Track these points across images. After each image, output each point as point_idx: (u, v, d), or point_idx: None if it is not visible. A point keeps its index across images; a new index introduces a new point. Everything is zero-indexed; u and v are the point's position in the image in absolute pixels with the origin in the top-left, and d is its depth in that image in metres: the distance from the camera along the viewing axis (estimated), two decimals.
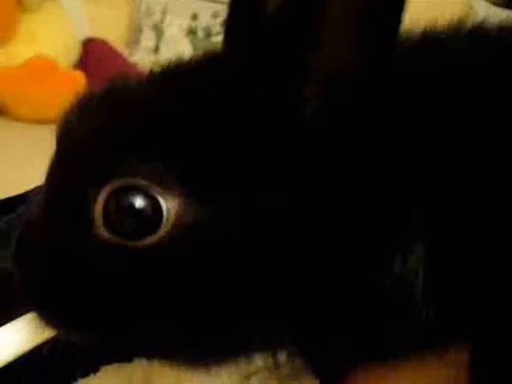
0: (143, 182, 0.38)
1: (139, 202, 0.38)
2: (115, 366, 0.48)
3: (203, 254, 0.38)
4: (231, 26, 0.43)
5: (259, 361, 0.44)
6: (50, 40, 1.88)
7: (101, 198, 0.38)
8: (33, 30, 1.84)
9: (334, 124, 0.39)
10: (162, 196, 0.37)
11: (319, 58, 0.38)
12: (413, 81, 0.40)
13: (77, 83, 1.81)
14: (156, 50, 2.42)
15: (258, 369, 0.46)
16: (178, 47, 2.37)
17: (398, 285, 0.37)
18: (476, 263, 0.37)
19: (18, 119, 1.72)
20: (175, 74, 0.44)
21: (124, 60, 2.23)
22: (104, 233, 0.38)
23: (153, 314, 0.39)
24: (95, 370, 0.47)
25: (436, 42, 0.43)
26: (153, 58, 2.39)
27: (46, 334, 0.42)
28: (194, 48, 2.39)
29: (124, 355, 0.45)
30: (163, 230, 0.37)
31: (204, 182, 0.38)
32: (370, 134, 0.38)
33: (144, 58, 2.38)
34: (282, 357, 0.43)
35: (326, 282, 0.38)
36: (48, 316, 0.41)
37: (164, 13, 2.43)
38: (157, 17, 2.44)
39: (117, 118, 0.41)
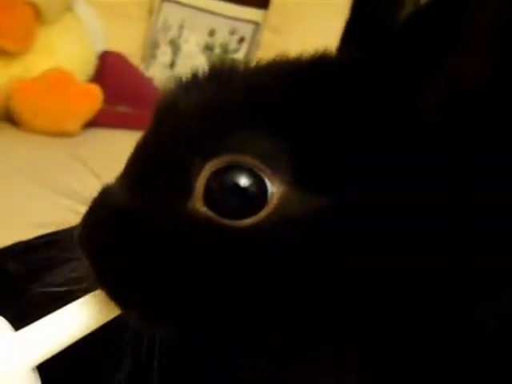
0: (253, 161, 0.37)
1: (245, 181, 0.37)
2: None
3: (296, 244, 0.36)
4: (352, 30, 0.42)
5: None
6: (68, 53, 1.89)
7: (205, 172, 0.38)
8: (50, 42, 1.85)
9: (455, 133, 0.37)
10: (269, 178, 0.37)
11: (450, 67, 0.37)
12: None
13: (93, 96, 1.82)
14: (172, 65, 2.43)
15: None
16: (195, 63, 2.38)
17: (473, 330, 0.36)
18: None
19: (34, 131, 1.72)
20: (287, 64, 0.43)
21: (140, 74, 2.23)
22: (201, 208, 0.37)
23: (235, 300, 0.38)
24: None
25: None
26: (169, 73, 2.40)
27: (113, 312, 0.41)
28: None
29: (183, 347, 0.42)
30: (263, 213, 0.36)
31: (314, 173, 0.37)
32: (485, 152, 0.37)
33: (160, 73, 2.39)
34: None
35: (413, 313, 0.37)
36: (120, 294, 0.40)
37: (181, 28, 2.44)
38: (174, 32, 2.45)
39: (229, 93, 0.40)
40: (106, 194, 0.42)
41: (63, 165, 1.29)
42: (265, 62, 0.44)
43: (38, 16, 1.80)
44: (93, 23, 2.12)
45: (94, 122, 1.83)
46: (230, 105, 0.39)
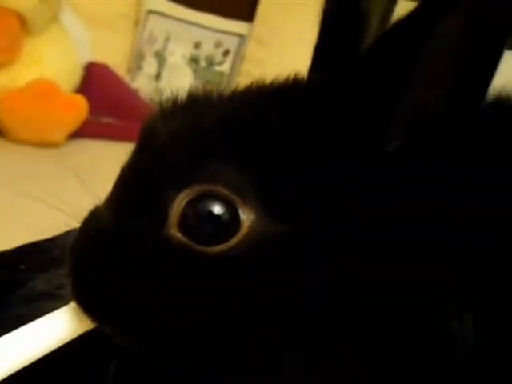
0: (224, 192, 0.38)
1: (218, 210, 0.39)
2: None
3: (267, 271, 0.38)
4: (320, 54, 0.44)
5: None
6: (54, 63, 1.88)
7: (179, 201, 0.39)
8: (36, 53, 1.85)
9: (415, 162, 0.39)
10: (240, 207, 0.38)
11: (411, 95, 0.38)
12: (496, 134, 0.40)
13: (79, 107, 1.82)
14: (158, 76, 2.43)
15: None
16: (180, 75, 2.39)
17: (450, 344, 0.37)
18: None
19: (20, 142, 1.72)
20: (259, 91, 0.44)
21: (126, 85, 2.24)
22: (177, 234, 0.39)
23: (206, 322, 0.39)
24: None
25: None
26: (154, 84, 2.40)
27: (87, 325, 0.42)
28: (196, 76, 2.40)
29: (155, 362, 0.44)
30: (234, 240, 0.38)
31: (281, 200, 0.38)
32: (447, 175, 0.38)
33: (145, 85, 2.39)
34: None
35: (385, 330, 0.38)
36: (94, 308, 0.41)
37: (167, 40, 2.45)
38: (159, 44, 2.45)
39: (200, 125, 0.42)
40: (94, 215, 0.44)
41: (48, 175, 1.29)
42: (240, 88, 0.45)
43: (25, 26, 1.80)
44: (79, 34, 2.12)
45: (79, 133, 1.83)
46: (202, 137, 0.41)
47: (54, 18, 1.95)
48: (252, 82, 0.45)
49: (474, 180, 0.38)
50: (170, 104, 0.45)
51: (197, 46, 2.43)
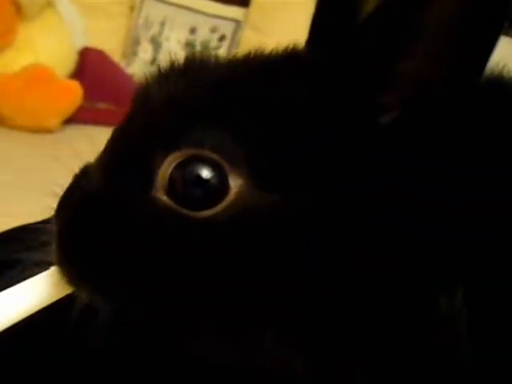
0: (213, 155, 0.38)
1: (206, 174, 0.38)
2: None
3: (251, 238, 0.37)
4: (318, 23, 0.43)
5: None
6: (48, 49, 1.88)
7: (167, 164, 0.39)
8: (31, 38, 1.84)
9: (409, 137, 0.38)
10: (228, 172, 0.38)
11: (408, 67, 0.38)
12: (493, 110, 0.40)
13: (73, 93, 1.81)
14: (153, 62, 2.42)
15: None
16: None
17: (439, 324, 0.37)
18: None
19: (14, 127, 1.71)
20: (257, 60, 0.44)
21: (121, 71, 2.23)
22: (163, 198, 0.39)
23: (187, 287, 0.39)
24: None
25: None
26: (150, 70, 2.39)
27: (66, 290, 0.42)
28: None
29: (137, 329, 0.43)
30: (221, 205, 0.38)
31: (270, 168, 0.38)
32: (441, 152, 0.38)
33: (141, 70, 2.38)
34: None
35: (369, 308, 0.37)
36: (76, 271, 0.41)
37: (162, 25, 2.44)
38: (155, 29, 2.45)
39: (194, 88, 0.41)
40: (83, 175, 0.43)
41: (43, 160, 1.29)
42: (238, 56, 0.44)
43: (19, 12, 1.79)
44: (74, 19, 2.11)
45: (74, 119, 1.83)
46: (194, 100, 0.40)
47: (49, 3, 1.95)
48: (250, 50, 0.44)
49: (468, 158, 0.38)
50: (166, 68, 0.44)
51: (192, 31, 2.42)
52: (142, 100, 0.43)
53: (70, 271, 0.41)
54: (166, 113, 0.40)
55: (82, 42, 2.14)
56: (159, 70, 0.44)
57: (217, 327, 0.40)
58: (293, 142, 0.38)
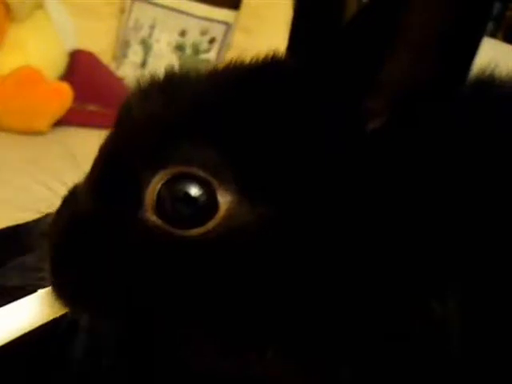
0: (200, 172, 0.37)
1: (195, 192, 0.37)
2: None
3: (244, 254, 0.37)
4: (299, 29, 0.43)
5: None
6: (38, 50, 1.87)
7: (154, 182, 0.38)
8: (21, 40, 1.83)
9: (396, 140, 0.38)
10: (217, 189, 0.37)
11: (392, 70, 0.37)
12: (479, 113, 0.39)
13: (63, 95, 1.81)
14: (143, 64, 2.42)
15: None
16: (166, 63, 2.37)
17: (431, 329, 0.36)
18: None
19: (3, 129, 1.71)
20: (237, 71, 0.43)
21: (111, 73, 2.23)
22: (151, 217, 0.38)
23: (181, 307, 0.38)
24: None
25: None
26: (140, 72, 2.39)
27: (58, 311, 0.41)
28: (182, 64, 2.39)
29: (127, 348, 0.43)
30: (212, 223, 0.37)
31: (259, 183, 0.37)
32: (429, 157, 0.38)
33: (131, 72, 2.38)
34: None
35: (360, 312, 0.37)
36: (68, 294, 0.41)
37: (152, 28, 2.44)
38: (145, 31, 2.44)
39: (176, 104, 0.40)
40: (72, 195, 0.43)
41: (32, 162, 1.28)
42: (218, 68, 0.44)
43: (9, 13, 1.78)
44: (64, 21, 2.11)
45: (63, 121, 1.82)
46: (177, 116, 0.40)
47: (39, 5, 1.93)
48: (230, 62, 0.44)
49: (457, 160, 0.38)
50: (146, 84, 0.44)
51: (182, 33, 2.42)
52: (125, 117, 0.43)
53: (62, 293, 0.41)
54: (150, 131, 0.40)
55: (72, 43, 2.13)
56: (139, 87, 0.43)
57: (214, 345, 0.40)
58: (279, 152, 0.38)
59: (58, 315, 0.42)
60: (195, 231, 0.37)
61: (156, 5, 2.45)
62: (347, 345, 0.38)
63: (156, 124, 0.40)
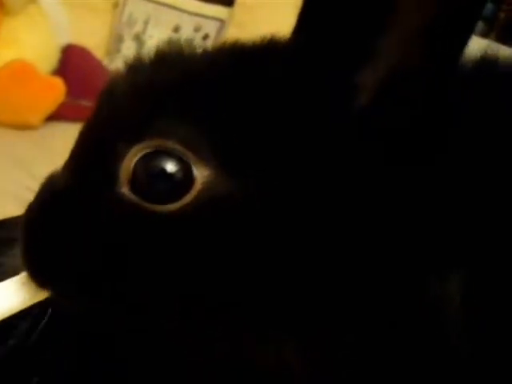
0: (177, 147, 0.37)
1: (171, 167, 0.37)
2: None
3: (221, 228, 0.36)
4: (308, 11, 0.41)
5: None
6: (31, 45, 1.86)
7: (130, 157, 0.37)
8: (14, 33, 1.83)
9: (385, 118, 0.37)
10: (194, 163, 0.36)
11: (385, 45, 0.36)
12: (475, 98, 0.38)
13: (56, 89, 1.80)
14: None
15: None
16: None
17: (431, 310, 0.36)
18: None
19: None
20: (229, 49, 0.43)
21: (104, 68, 2.22)
22: (127, 193, 0.37)
23: (160, 284, 0.38)
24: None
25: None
26: None
27: (37, 296, 0.41)
28: None
29: (108, 329, 0.42)
30: (188, 197, 0.36)
31: (237, 156, 0.37)
32: (419, 137, 0.37)
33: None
34: None
35: (349, 289, 0.36)
36: (45, 276, 0.40)
37: (146, 23, 2.43)
38: (138, 27, 2.44)
39: (160, 78, 0.40)
40: (51, 178, 0.42)
41: (24, 157, 1.28)
42: (213, 47, 0.44)
43: (2, 7, 1.77)
44: (57, 16, 2.10)
45: (56, 115, 1.82)
46: (158, 90, 0.39)
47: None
48: (225, 42, 0.44)
49: (452, 140, 0.37)
50: (133, 61, 0.44)
51: (176, 29, 2.41)
52: (107, 93, 0.42)
53: (36, 273, 0.40)
54: (130, 104, 0.39)
55: (65, 38, 2.12)
56: (126, 64, 0.43)
57: (198, 326, 0.39)
58: (262, 125, 0.37)
59: (37, 301, 0.41)
60: (171, 206, 0.37)
61: (150, 0, 2.44)
62: (345, 323, 0.37)
63: (137, 97, 0.40)
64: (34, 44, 1.88)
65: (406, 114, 0.37)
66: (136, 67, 0.43)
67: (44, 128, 1.78)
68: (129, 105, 0.40)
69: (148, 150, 0.38)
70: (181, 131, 0.37)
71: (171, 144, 0.37)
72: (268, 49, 0.42)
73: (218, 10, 2.41)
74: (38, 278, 0.40)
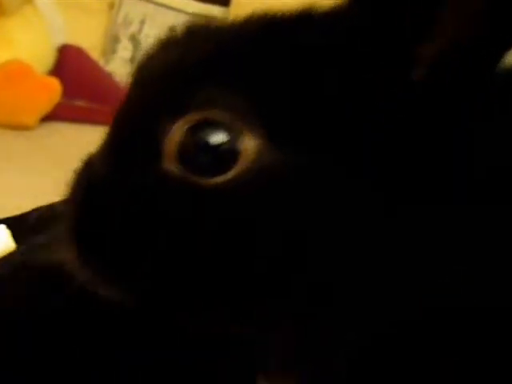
0: (224, 117, 0.36)
1: (219, 137, 0.36)
2: None
3: (269, 200, 0.35)
4: None
5: None
6: (27, 45, 1.86)
7: (175, 131, 0.37)
8: (9, 34, 1.82)
9: (441, 92, 0.36)
10: (242, 133, 0.36)
11: (444, 19, 0.35)
12: None
13: (52, 90, 1.80)
14: (132, 60, 2.41)
15: None
16: None
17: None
18: None
19: None
20: (262, 19, 0.41)
21: (100, 68, 2.22)
22: (174, 167, 0.37)
23: (207, 259, 0.36)
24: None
25: None
26: (129, 68, 2.38)
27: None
28: None
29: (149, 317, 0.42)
30: (237, 169, 0.36)
31: (289, 127, 0.36)
32: (467, 113, 0.36)
33: (120, 68, 2.37)
34: None
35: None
36: (88, 258, 0.39)
37: (142, 23, 2.43)
38: (134, 27, 2.43)
39: (199, 50, 0.39)
40: (87, 163, 0.42)
41: (20, 157, 1.28)
42: (241, 20, 0.43)
43: None
44: (53, 16, 2.10)
45: (52, 116, 1.81)
46: (199, 61, 0.38)
47: (28, 0, 1.93)
48: (252, 15, 0.43)
49: (497, 119, 0.37)
50: (163, 40, 0.43)
51: (172, 29, 2.41)
52: (143, 72, 0.41)
53: (88, 262, 0.39)
54: (167, 80, 0.38)
55: (61, 38, 2.12)
56: (156, 44, 0.42)
57: (233, 303, 0.38)
58: (314, 96, 0.36)
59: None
60: (219, 178, 0.36)
61: (146, 0, 2.44)
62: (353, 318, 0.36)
63: (176, 71, 0.39)
64: (29, 44, 1.88)
65: (460, 89, 0.36)
66: (167, 44, 0.42)
67: (40, 128, 1.78)
68: (166, 81, 0.39)
69: (194, 122, 0.37)
70: (226, 100, 0.36)
71: (219, 113, 0.36)
72: (309, 18, 0.41)
73: (214, 10, 2.41)
74: (92, 263, 0.40)
